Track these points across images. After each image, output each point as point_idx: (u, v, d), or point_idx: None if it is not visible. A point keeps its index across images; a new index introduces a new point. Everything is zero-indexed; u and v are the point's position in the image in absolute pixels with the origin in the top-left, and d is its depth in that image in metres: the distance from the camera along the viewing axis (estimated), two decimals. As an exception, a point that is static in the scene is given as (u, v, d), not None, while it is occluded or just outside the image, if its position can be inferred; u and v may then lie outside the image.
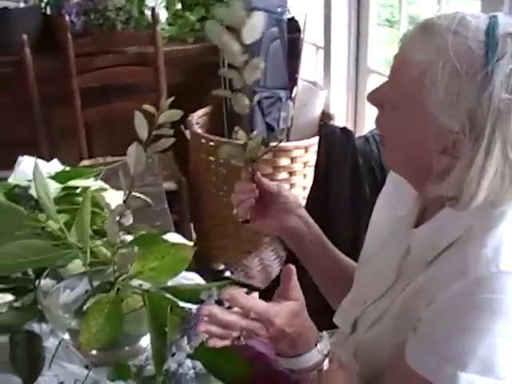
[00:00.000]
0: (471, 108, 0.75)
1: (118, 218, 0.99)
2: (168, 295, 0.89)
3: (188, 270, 1.09)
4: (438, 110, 0.78)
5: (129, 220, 1.09)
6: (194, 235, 2.78)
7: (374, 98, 0.88)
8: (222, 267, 1.82)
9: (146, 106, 1.04)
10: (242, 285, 1.85)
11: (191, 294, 0.86)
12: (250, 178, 1.01)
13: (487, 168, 0.76)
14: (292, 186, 2.40)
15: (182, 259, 0.92)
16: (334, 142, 1.43)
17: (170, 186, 2.48)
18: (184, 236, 2.44)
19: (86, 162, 2.56)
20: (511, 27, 0.77)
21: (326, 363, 0.85)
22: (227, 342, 0.84)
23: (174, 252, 0.92)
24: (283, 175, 2.39)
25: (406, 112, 0.82)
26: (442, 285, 0.78)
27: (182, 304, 0.90)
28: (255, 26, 0.86)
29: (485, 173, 0.76)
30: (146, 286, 0.93)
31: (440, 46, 0.77)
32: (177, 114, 1.03)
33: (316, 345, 0.85)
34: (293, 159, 2.36)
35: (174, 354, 0.82)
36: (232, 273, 1.88)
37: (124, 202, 1.01)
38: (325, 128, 1.41)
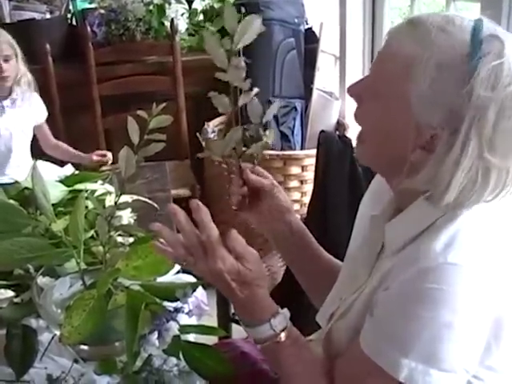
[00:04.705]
0: (451, 103, 0.76)
1: (108, 219, 1.04)
2: (146, 292, 0.92)
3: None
4: (420, 103, 0.79)
5: (120, 221, 1.14)
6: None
7: (355, 89, 0.88)
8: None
9: (140, 112, 1.09)
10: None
11: (167, 292, 0.89)
12: (240, 173, 1.02)
13: (461, 163, 0.76)
14: (303, 194, 2.42)
15: (165, 259, 0.96)
16: (332, 150, 1.44)
17: (184, 192, 2.52)
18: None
19: (105, 168, 2.62)
20: (495, 30, 0.79)
21: (282, 337, 0.87)
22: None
23: (158, 252, 0.95)
24: (294, 183, 2.41)
25: (388, 102, 0.83)
26: (398, 272, 0.79)
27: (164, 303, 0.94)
28: (248, 31, 0.87)
29: (458, 168, 0.76)
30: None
31: (425, 40, 0.79)
32: (166, 119, 1.07)
33: (269, 320, 0.87)
34: (304, 168, 2.38)
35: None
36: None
37: (115, 203, 1.05)
38: (322, 135, 1.43)
